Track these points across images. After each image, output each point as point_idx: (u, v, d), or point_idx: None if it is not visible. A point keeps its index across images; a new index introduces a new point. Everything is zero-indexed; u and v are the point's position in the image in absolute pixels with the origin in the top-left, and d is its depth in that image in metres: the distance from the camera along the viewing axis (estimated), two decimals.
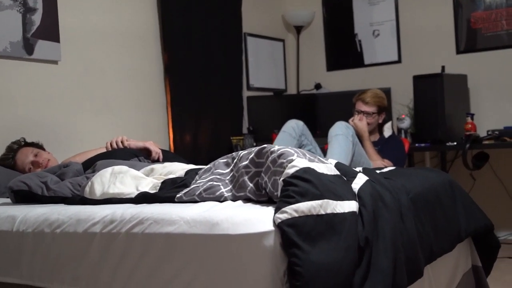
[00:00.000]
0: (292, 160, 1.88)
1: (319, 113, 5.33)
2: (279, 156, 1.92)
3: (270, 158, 1.94)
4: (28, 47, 3.55)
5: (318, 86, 5.58)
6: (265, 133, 4.90)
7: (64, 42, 3.76)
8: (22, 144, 3.30)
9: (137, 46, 4.32)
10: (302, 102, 5.44)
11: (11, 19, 3.46)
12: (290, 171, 1.84)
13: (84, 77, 3.92)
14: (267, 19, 5.66)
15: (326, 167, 1.95)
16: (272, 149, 1.97)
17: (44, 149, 3.36)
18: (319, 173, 1.87)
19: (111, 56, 4.11)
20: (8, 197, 2.62)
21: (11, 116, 3.48)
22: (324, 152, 4.12)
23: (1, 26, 3.40)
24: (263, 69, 5.54)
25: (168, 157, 3.40)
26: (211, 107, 4.79)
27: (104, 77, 4.05)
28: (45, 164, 3.20)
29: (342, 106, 4.83)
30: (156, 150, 3.33)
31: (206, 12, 4.79)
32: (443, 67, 4.63)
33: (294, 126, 4.00)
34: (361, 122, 4.00)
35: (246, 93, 5.28)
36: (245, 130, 5.16)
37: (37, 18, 3.60)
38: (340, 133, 3.70)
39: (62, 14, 3.75)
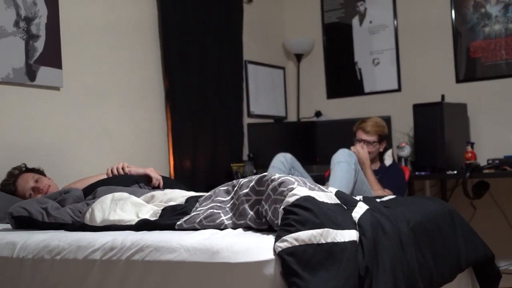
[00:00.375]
0: (292, 189, 1.88)
1: (319, 141, 5.35)
2: (280, 184, 1.92)
3: (270, 186, 1.95)
4: (31, 73, 3.57)
5: (318, 114, 5.60)
6: (265, 160, 4.89)
7: (66, 68, 3.78)
8: (23, 169, 3.31)
9: (138, 72, 4.34)
10: (302, 130, 5.46)
11: (14, 46, 3.49)
12: (290, 199, 1.84)
13: (85, 103, 3.94)
14: (267, 47, 5.70)
15: (327, 195, 1.96)
16: (272, 177, 1.98)
17: (45, 175, 3.36)
18: (319, 201, 1.87)
19: (112, 82, 4.14)
20: (8, 223, 2.62)
21: (13, 141, 3.49)
22: (325, 178, 4.12)
23: (4, 53, 3.43)
24: (264, 97, 5.57)
25: (168, 184, 3.40)
26: (212, 133, 4.81)
27: (105, 103, 4.08)
28: (46, 190, 3.20)
29: (342, 133, 4.84)
30: (156, 177, 3.34)
31: (207, 40, 4.82)
32: (443, 96, 4.65)
33: (282, 160, 4.00)
34: (363, 150, 3.99)
35: (246, 120, 5.30)
36: (245, 157, 5.17)
37: (39, 45, 3.63)
38: (343, 160, 3.71)
39: (64, 42, 3.78)
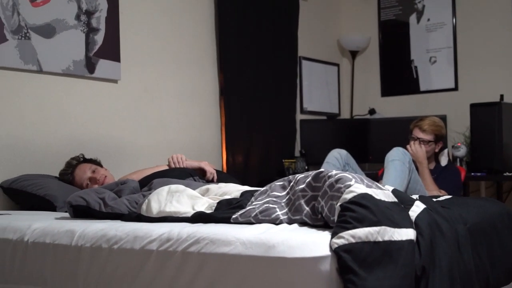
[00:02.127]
0: (349, 186, 1.87)
1: (372, 139, 5.30)
2: (337, 181, 1.91)
3: (327, 182, 1.94)
4: (90, 65, 3.64)
5: (372, 112, 5.55)
6: (317, 156, 4.87)
7: (124, 62, 3.85)
8: (80, 160, 3.38)
9: (194, 67, 4.39)
10: (356, 127, 5.42)
11: (75, 38, 3.57)
12: (347, 196, 1.83)
13: (142, 96, 3.99)
14: (322, 44, 5.67)
15: (384, 193, 1.94)
16: (329, 174, 1.97)
17: (101, 166, 3.42)
18: (376, 199, 1.86)
19: (168, 77, 4.19)
20: (66, 212, 2.68)
21: (71, 132, 3.57)
22: (378, 177, 4.08)
23: (65, 45, 3.51)
24: (317, 93, 5.55)
25: (221, 177, 3.43)
26: (265, 129, 4.82)
27: (161, 96, 4.13)
28: (102, 181, 3.27)
29: (396, 132, 4.79)
30: (211, 171, 3.37)
31: (263, 35, 4.83)
32: (501, 96, 4.54)
33: (337, 156, 3.97)
34: (421, 149, 3.93)
35: (299, 116, 5.29)
36: (297, 153, 5.16)
37: (99, 38, 3.70)
38: (397, 158, 3.66)
39: (123, 35, 3.84)
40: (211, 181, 3.32)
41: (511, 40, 4.97)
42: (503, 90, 4.74)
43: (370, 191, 1.88)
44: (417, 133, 4.03)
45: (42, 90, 3.45)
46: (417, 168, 3.85)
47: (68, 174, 3.32)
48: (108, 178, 3.32)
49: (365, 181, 1.96)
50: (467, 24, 5.21)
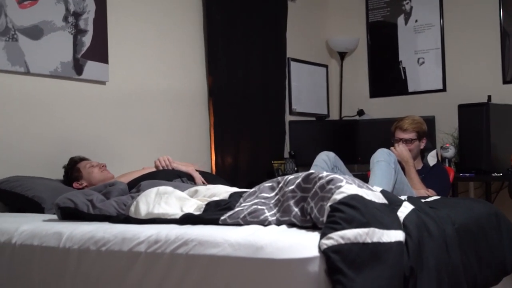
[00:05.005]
0: (340, 186, 1.87)
1: (361, 140, 5.30)
2: (328, 182, 1.91)
3: (318, 184, 1.94)
4: (78, 67, 3.63)
5: (360, 113, 5.56)
6: (306, 157, 4.88)
7: (112, 63, 3.84)
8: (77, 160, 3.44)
9: (182, 69, 4.38)
10: (344, 128, 5.43)
11: (62, 40, 3.55)
12: (337, 196, 1.83)
13: (130, 97, 3.98)
14: (311, 45, 5.68)
15: (374, 194, 1.94)
16: (320, 175, 1.97)
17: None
18: (367, 200, 1.86)
19: (156, 78, 4.18)
20: (54, 213, 2.67)
21: (59, 133, 3.56)
22: (367, 178, 4.08)
23: (53, 47, 3.49)
24: (306, 94, 5.56)
25: (210, 179, 3.42)
26: (254, 130, 4.82)
27: (149, 98, 4.12)
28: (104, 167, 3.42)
29: (384, 133, 4.78)
30: (199, 183, 3.33)
31: (251, 37, 4.83)
32: (489, 97, 4.57)
33: (325, 159, 3.95)
34: (405, 149, 3.94)
35: (288, 117, 5.29)
36: (286, 155, 5.16)
37: (87, 39, 3.68)
38: (382, 159, 3.66)
39: (111, 37, 3.83)
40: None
41: (498, 41, 5.00)
42: (491, 91, 4.77)
43: (360, 191, 1.88)
44: (399, 134, 4.03)
45: (30, 92, 3.43)
46: (403, 169, 3.85)
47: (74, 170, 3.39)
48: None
49: (357, 182, 1.96)
50: (455, 25, 5.24)
